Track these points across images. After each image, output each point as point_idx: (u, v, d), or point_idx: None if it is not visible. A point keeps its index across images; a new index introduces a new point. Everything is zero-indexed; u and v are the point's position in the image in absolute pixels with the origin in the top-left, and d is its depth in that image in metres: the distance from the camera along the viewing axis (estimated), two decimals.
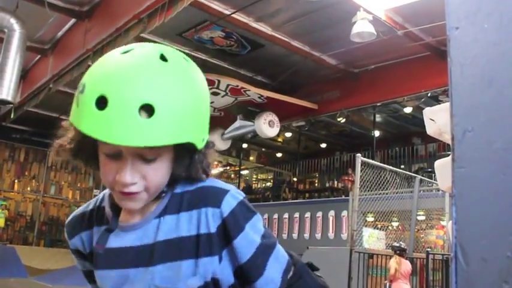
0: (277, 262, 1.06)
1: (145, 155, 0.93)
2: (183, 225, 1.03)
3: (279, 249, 1.08)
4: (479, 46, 0.73)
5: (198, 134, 0.97)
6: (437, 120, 1.70)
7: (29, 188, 17.60)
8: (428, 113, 1.75)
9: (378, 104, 11.94)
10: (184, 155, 1.00)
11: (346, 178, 12.88)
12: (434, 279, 7.32)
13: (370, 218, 9.01)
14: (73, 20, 9.73)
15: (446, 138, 1.66)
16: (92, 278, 1.16)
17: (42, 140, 18.04)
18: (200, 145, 0.98)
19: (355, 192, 7.11)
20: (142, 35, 8.39)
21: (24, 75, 11.51)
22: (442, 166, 1.60)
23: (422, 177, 8.81)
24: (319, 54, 10.51)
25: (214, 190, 1.05)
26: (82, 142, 0.99)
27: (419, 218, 8.65)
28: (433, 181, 8.92)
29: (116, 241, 1.06)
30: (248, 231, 1.03)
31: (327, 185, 14.28)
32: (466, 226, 0.71)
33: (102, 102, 0.87)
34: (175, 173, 1.01)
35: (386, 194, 7.90)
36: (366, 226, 8.23)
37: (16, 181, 17.40)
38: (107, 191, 1.12)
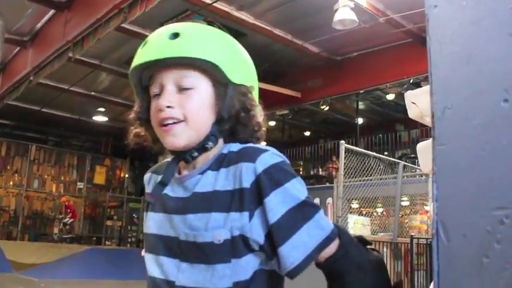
0: (318, 228, 1.02)
1: (182, 83, 1.08)
2: (219, 180, 1.07)
3: (322, 217, 1.04)
4: (457, 24, 0.74)
5: (226, 63, 1.09)
6: (418, 103, 1.71)
7: (11, 183, 17.42)
8: (409, 96, 1.76)
9: (361, 92, 12.00)
10: (220, 90, 1.10)
11: (331, 165, 12.94)
12: (418, 263, 7.40)
13: (354, 205, 9.06)
14: (52, 11, 9.59)
15: (428, 121, 1.67)
16: None
17: (24, 133, 17.87)
18: (232, 76, 1.09)
19: (339, 179, 7.13)
20: (123, 25, 8.31)
21: (4, 68, 11.36)
22: (424, 148, 1.62)
23: (406, 163, 8.87)
24: (301, 42, 10.51)
25: (254, 148, 1.09)
26: (141, 98, 1.17)
27: (403, 203, 8.72)
28: (416, 167, 8.99)
29: (168, 190, 1.15)
30: (282, 190, 1.01)
31: (312, 172, 14.33)
32: (447, 203, 0.71)
33: (144, 44, 1.09)
34: (216, 110, 1.10)
35: (371, 180, 7.94)
36: (350, 213, 8.27)
37: None
38: None
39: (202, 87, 1.09)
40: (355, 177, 7.61)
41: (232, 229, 1.01)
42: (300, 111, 14.20)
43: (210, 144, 1.10)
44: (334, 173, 11.95)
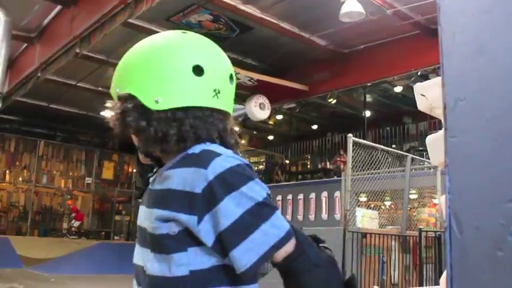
0: (273, 228, 1.05)
1: None
2: (174, 179, 1.10)
3: (278, 217, 1.07)
4: (469, 13, 0.73)
5: (114, 83, 1.21)
6: (428, 95, 1.69)
7: (20, 178, 17.51)
8: (419, 88, 1.74)
9: (368, 84, 11.94)
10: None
11: (338, 159, 12.91)
12: (427, 256, 7.39)
13: (363, 198, 9.05)
14: (59, 7, 9.60)
15: (438, 113, 1.65)
16: None
17: (32, 129, 17.94)
18: (114, 93, 1.19)
19: (347, 172, 7.12)
20: (130, 20, 8.30)
21: (11, 64, 11.37)
22: (434, 141, 1.60)
23: (414, 156, 8.84)
24: (308, 35, 10.46)
25: (209, 152, 1.10)
26: None
27: (411, 196, 8.69)
28: (424, 159, 8.96)
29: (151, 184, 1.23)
30: (238, 194, 1.04)
31: (319, 166, 14.32)
32: (460, 195, 0.71)
33: None
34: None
35: (379, 173, 7.92)
36: (358, 206, 8.26)
37: (7, 172, 17.30)
38: None
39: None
40: (363, 171, 7.59)
41: (183, 224, 1.06)
42: (307, 104, 14.16)
43: (139, 155, 1.26)
44: (342, 166, 11.92)
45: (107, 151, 19.43)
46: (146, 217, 1.15)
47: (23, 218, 17.09)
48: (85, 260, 13.38)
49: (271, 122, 16.71)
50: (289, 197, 11.34)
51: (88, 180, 18.84)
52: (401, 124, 14.08)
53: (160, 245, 1.09)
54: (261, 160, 18.42)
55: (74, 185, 18.56)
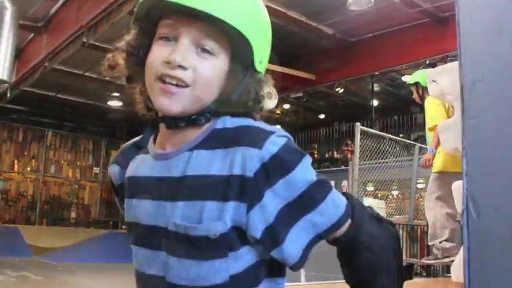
0: (334, 207, 0.94)
1: (204, 43, 0.93)
2: (215, 162, 0.92)
3: (335, 194, 0.97)
4: None
5: (259, 47, 0.97)
6: (439, 81, 1.68)
7: (28, 168, 17.59)
8: (430, 74, 1.73)
9: (376, 73, 11.87)
10: (238, 68, 0.97)
11: (346, 148, 12.89)
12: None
13: (370, 188, 9.04)
14: None
15: (449, 99, 1.64)
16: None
17: (40, 119, 18.00)
18: (257, 63, 0.98)
19: (355, 161, 7.11)
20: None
21: (19, 54, 11.39)
22: (445, 127, 1.59)
23: (422, 145, 8.80)
24: (315, 24, 10.39)
25: (257, 130, 0.94)
26: (143, 33, 1.03)
27: (419, 186, 8.67)
28: None
29: (146, 169, 1.02)
30: (293, 176, 0.90)
31: (327, 155, 14.30)
32: (477, 177, 0.70)
33: None
34: (226, 89, 0.96)
35: (386, 163, 7.90)
36: (366, 196, 8.24)
37: (16, 161, 17.39)
38: None
39: (221, 57, 0.95)
40: (371, 160, 7.57)
41: (229, 221, 0.89)
42: (314, 93, 14.12)
43: (202, 120, 0.96)
44: (349, 155, 11.90)
45: (114, 140, 19.49)
46: (163, 213, 0.95)
47: (32, 207, 17.20)
48: (93, 249, 13.50)
49: (278, 112, 16.69)
50: None
51: (96, 169, 18.92)
52: (409, 113, 14.02)
53: (194, 249, 0.91)
54: None
55: (82, 174, 18.64)
